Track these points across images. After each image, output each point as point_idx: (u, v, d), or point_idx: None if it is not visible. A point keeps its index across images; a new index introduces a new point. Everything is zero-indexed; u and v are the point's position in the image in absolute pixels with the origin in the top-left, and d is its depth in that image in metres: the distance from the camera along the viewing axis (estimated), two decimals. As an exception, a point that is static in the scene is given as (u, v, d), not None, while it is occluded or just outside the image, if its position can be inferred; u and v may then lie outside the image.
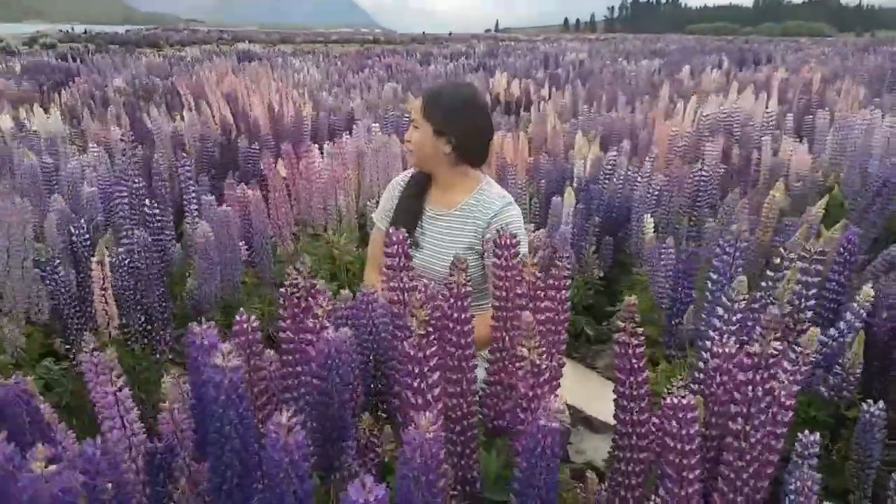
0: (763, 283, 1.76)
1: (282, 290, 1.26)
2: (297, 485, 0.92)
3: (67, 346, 2.21)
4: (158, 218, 2.56)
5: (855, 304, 1.79)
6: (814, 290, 1.69)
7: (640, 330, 1.14)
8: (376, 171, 4.22)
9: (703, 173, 3.64)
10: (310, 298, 1.23)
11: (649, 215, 3.47)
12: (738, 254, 1.85)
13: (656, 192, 3.74)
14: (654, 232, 3.45)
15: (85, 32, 32.13)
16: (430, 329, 1.11)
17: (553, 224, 3.29)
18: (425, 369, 1.08)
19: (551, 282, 1.28)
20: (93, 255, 2.16)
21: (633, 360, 1.14)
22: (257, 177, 4.06)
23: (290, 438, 0.87)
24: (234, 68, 10.32)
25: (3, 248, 2.15)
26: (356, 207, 3.93)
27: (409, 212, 2.25)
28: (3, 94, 7.82)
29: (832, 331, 1.82)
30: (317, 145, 4.24)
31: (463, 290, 1.18)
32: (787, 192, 3.79)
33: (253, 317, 1.23)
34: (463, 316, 1.18)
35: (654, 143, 4.91)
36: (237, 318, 1.22)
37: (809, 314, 1.69)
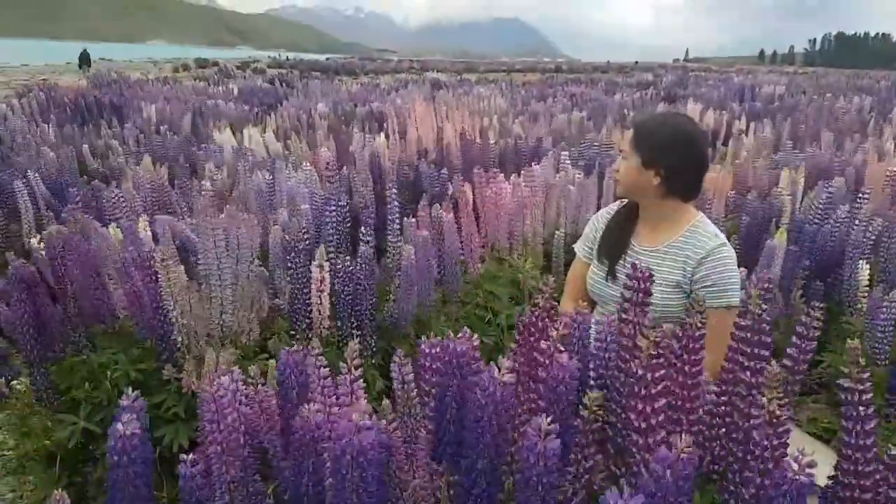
0: None
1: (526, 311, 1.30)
2: (547, 490, 0.98)
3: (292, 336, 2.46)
4: (368, 237, 2.70)
5: None
6: None
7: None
8: (564, 200, 4.21)
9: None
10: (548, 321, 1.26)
11: (864, 262, 3.18)
12: None
13: (873, 237, 3.41)
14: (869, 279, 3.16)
15: (287, 59, 35.14)
16: (660, 360, 1.09)
17: (763, 266, 3.09)
18: (652, 391, 1.05)
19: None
20: (310, 263, 2.37)
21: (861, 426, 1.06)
22: (448, 200, 4.19)
23: (547, 444, 0.93)
24: (426, 96, 10.76)
25: (234, 253, 2.38)
26: (542, 235, 3.93)
27: (615, 244, 2.21)
28: (225, 115, 8.70)
29: None
30: (504, 172, 4.31)
31: (698, 332, 1.14)
32: None
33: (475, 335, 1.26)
34: (694, 358, 1.14)
35: (867, 185, 4.52)
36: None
37: None
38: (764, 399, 1.05)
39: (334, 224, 3.07)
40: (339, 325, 2.51)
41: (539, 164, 4.56)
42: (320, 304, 2.37)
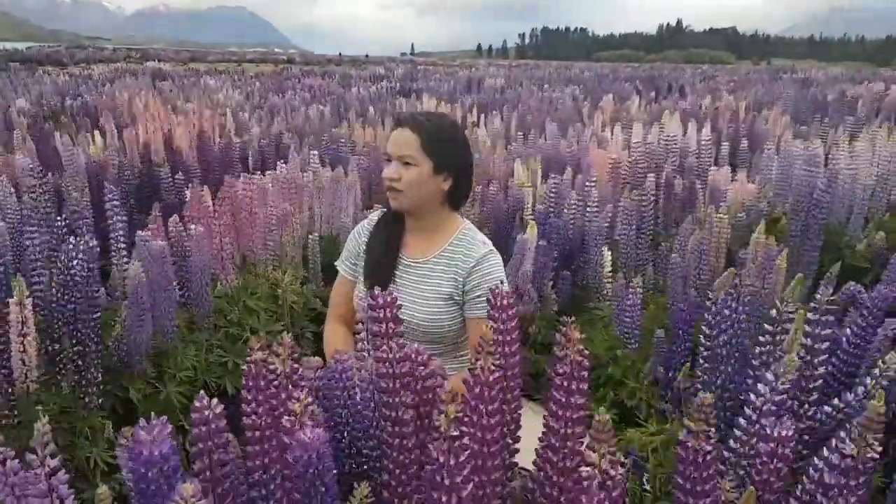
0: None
1: (247, 368, 1.05)
2: None
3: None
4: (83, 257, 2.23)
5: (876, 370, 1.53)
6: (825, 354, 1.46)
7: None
8: (318, 202, 3.99)
9: (645, 203, 3.63)
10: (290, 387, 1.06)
11: (606, 248, 3.38)
12: (742, 309, 1.69)
13: (606, 223, 3.65)
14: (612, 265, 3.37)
15: (-23, 49, 30.26)
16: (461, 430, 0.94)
17: (516, 261, 3.11)
18: (457, 480, 0.89)
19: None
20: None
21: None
22: (184, 208, 3.75)
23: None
24: (149, 88, 9.82)
25: None
26: (299, 241, 3.67)
27: (385, 260, 2.03)
28: None
29: (849, 396, 1.55)
30: (246, 172, 3.98)
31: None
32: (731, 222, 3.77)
33: (215, 401, 1.02)
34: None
35: (593, 173, 4.86)
36: (195, 403, 1.01)
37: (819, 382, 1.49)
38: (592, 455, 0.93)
39: (39, 246, 2.52)
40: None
41: (286, 164, 4.27)
42: (24, 351, 1.88)
